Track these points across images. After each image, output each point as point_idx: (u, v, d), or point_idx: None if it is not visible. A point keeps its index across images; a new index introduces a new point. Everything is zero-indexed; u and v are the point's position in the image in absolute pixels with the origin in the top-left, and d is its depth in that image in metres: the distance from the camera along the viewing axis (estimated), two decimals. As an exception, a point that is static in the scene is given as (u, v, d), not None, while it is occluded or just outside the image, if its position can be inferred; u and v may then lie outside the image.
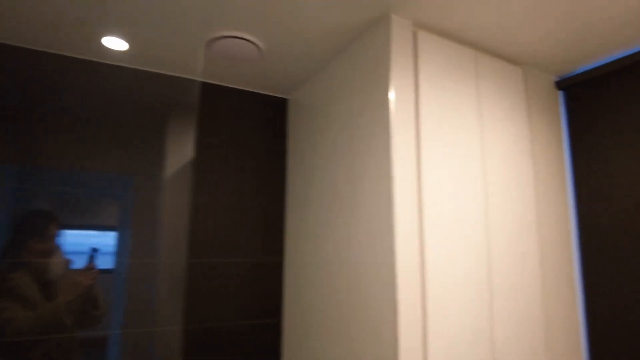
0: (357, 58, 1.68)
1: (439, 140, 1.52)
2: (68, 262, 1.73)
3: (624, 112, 1.79)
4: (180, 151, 2.05)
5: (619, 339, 1.72)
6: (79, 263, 1.74)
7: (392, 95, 1.45)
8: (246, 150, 2.20)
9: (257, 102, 2.27)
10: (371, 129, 1.53)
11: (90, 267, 1.75)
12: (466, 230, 1.52)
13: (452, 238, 1.48)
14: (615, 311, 1.74)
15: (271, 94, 2.32)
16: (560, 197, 1.89)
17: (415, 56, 1.54)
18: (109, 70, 1.94)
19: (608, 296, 1.77)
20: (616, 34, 1.65)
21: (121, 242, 1.88)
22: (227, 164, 2.14)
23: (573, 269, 1.86)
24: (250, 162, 2.20)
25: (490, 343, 1.49)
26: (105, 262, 1.82)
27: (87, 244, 1.79)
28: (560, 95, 2.05)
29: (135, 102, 2.00)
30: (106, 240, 1.86)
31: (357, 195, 1.58)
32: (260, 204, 2.19)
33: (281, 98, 2.36)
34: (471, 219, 1.54)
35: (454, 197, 1.52)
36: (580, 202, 1.92)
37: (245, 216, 2.14)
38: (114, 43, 1.76)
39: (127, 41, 1.75)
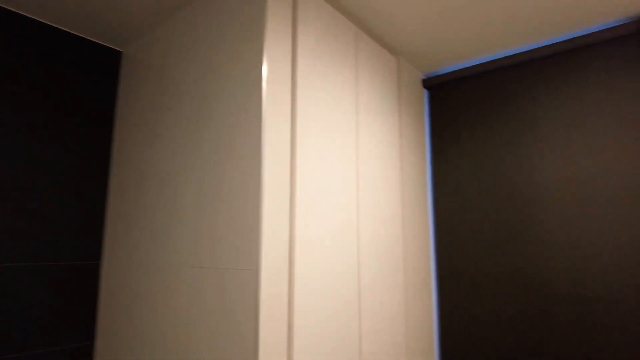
0: (220, 8, 1.30)
1: (316, 129, 1.27)
2: None
3: (477, 114, 1.86)
4: None
5: (466, 326, 1.78)
6: None
7: (265, 68, 1.12)
8: (54, 110, 1.58)
9: (78, 51, 1.66)
10: (237, 104, 1.18)
11: None
12: (338, 226, 1.31)
13: (325, 235, 1.25)
14: (462, 305, 1.80)
15: (99, 42, 1.73)
16: (421, 193, 1.88)
17: (295, 19, 1.25)
18: None
19: (455, 292, 1.82)
20: (477, 42, 1.68)
21: None
22: (23, 127, 1.49)
23: (430, 265, 1.87)
24: (58, 130, 1.59)
25: (358, 338, 1.32)
26: None
27: None
28: (425, 93, 2.05)
29: None
30: None
31: (206, 182, 1.22)
32: (68, 188, 1.60)
33: (112, 50, 1.79)
34: (344, 212, 1.35)
35: (329, 191, 1.29)
36: (436, 198, 1.94)
37: (45, 203, 1.53)
38: None
39: None
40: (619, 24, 1.54)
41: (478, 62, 1.89)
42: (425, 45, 1.73)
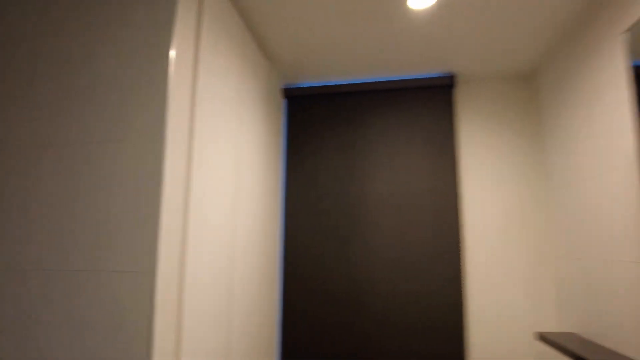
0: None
1: (209, 129, 1.18)
2: None
3: (327, 130, 2.07)
4: None
5: (304, 321, 1.93)
6: None
7: (171, 60, 0.99)
8: None
9: None
10: (131, 86, 0.99)
11: None
12: (219, 227, 1.25)
13: (211, 239, 1.17)
14: (301, 305, 1.95)
15: None
16: (275, 198, 1.95)
17: (200, 12, 1.14)
18: None
19: (295, 291, 1.97)
20: (335, 64, 1.89)
21: None
22: None
23: (277, 266, 1.95)
24: None
25: (228, 334, 1.28)
26: None
27: None
28: (284, 102, 2.14)
29: None
30: None
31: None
32: None
33: None
34: (224, 214, 1.29)
35: (214, 190, 1.21)
36: (287, 203, 2.05)
37: None
38: None
39: None
40: (439, 75, 2.00)
41: (333, 83, 2.11)
42: (292, 56, 1.82)
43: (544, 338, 1.55)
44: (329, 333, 1.91)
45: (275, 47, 1.74)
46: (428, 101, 2.02)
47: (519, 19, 1.50)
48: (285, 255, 2.01)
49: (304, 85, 2.13)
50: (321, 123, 2.09)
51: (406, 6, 1.43)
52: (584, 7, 1.41)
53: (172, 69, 0.97)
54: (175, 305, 0.97)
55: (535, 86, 1.94)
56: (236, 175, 1.39)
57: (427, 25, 1.55)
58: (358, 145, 2.03)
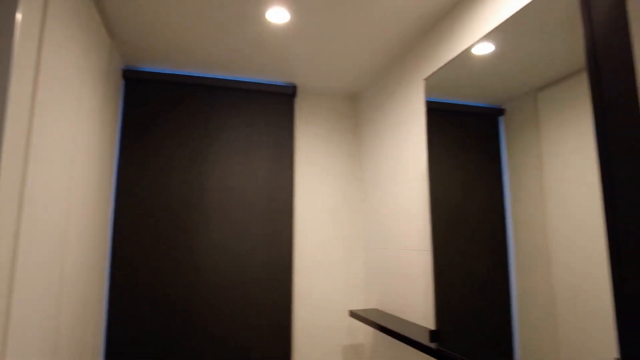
0: None
1: (53, 107, 1.03)
2: None
3: (167, 119, 2.01)
4: None
5: (133, 316, 1.82)
6: None
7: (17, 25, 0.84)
8: None
9: None
10: None
11: None
12: (55, 220, 1.10)
13: (45, 234, 1.02)
14: (131, 303, 1.84)
15: None
16: (106, 188, 1.78)
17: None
18: None
19: (127, 287, 1.85)
20: (181, 52, 1.86)
21: None
22: None
23: (105, 258, 1.78)
24: None
25: (57, 332, 1.13)
26: None
27: None
28: (122, 84, 1.96)
29: None
30: None
31: None
32: None
33: None
34: (58, 206, 1.14)
35: (50, 184, 1.06)
36: (118, 195, 1.89)
37: None
38: None
39: None
40: (282, 84, 2.18)
41: (179, 72, 2.04)
42: (136, 35, 1.71)
43: (353, 314, 1.90)
44: (156, 329, 1.85)
45: (119, 25, 1.60)
46: (271, 106, 2.18)
47: (351, 51, 1.80)
48: (114, 248, 1.85)
49: (147, 70, 2.00)
50: (162, 111, 2.01)
51: (264, 18, 1.54)
52: (399, 53, 1.81)
53: (17, 33, 0.83)
54: (4, 304, 0.83)
55: (359, 106, 2.34)
56: (72, 162, 1.24)
57: (279, 38, 1.70)
58: (199, 138, 2.03)
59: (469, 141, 1.19)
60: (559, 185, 0.87)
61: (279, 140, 2.15)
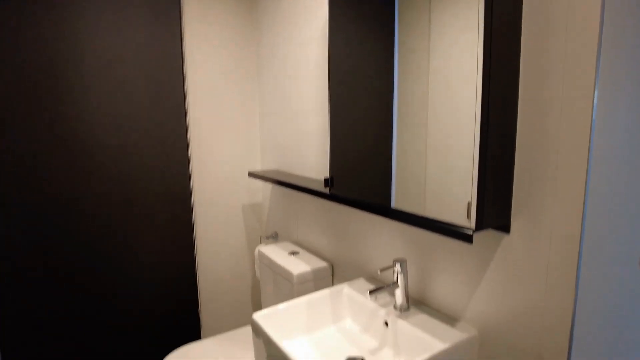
0: None
1: None
2: None
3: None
4: None
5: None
6: None
7: None
8: None
9: None
10: None
11: None
12: None
13: None
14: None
15: None
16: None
17: None
18: None
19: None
20: None
21: None
22: None
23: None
24: None
25: None
26: None
27: None
28: None
29: None
30: None
31: None
32: None
33: None
34: None
35: None
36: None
37: None
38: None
39: None
40: None
41: None
42: None
43: (253, 174, 2.01)
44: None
45: None
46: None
47: None
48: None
49: None
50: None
51: None
52: None
53: None
54: None
55: (253, -43, 2.11)
56: None
57: None
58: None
59: (366, 12, 1.20)
60: (444, 63, 0.97)
61: (164, 6, 1.88)
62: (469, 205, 0.91)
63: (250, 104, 2.22)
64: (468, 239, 0.89)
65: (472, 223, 0.89)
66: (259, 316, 1.24)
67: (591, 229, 0.85)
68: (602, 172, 0.84)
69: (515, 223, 0.96)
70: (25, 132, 1.67)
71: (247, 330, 1.93)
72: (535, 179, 0.90)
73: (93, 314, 1.91)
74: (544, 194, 0.88)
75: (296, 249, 1.90)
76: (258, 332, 1.20)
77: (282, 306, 1.28)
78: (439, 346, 1.03)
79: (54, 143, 1.73)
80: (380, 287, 1.18)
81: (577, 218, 0.83)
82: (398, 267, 1.20)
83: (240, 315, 2.36)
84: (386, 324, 1.22)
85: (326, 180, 1.43)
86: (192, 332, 2.20)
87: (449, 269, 1.16)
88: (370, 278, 1.48)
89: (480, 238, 1.05)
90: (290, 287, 1.66)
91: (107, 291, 1.93)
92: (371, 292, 1.16)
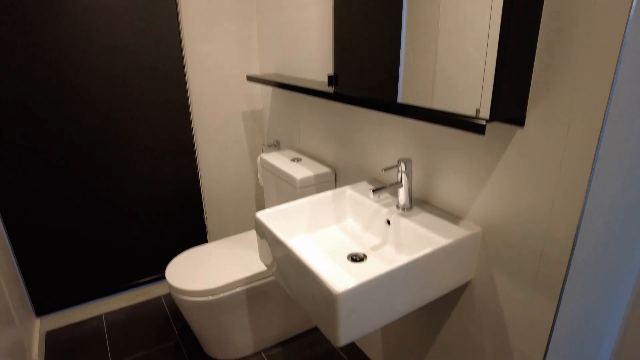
0: None
1: None
2: None
3: None
4: None
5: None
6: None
7: None
8: None
9: None
10: None
11: None
12: None
13: None
14: None
15: None
16: None
17: None
18: None
19: None
20: None
21: None
22: None
23: None
24: None
25: None
26: None
27: None
28: None
29: None
30: None
31: None
32: None
33: None
34: None
35: None
36: None
37: None
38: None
39: None
40: None
41: None
42: None
43: (251, 78, 1.91)
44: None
45: None
46: None
47: None
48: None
49: None
50: None
51: None
52: None
53: None
54: None
55: None
56: None
57: None
58: None
59: None
60: None
61: None
62: (482, 93, 0.84)
63: (246, 8, 2.03)
64: (480, 129, 0.83)
65: (487, 112, 0.83)
66: (262, 214, 1.24)
67: (613, 123, 0.79)
68: (634, 62, 0.75)
69: (531, 114, 0.89)
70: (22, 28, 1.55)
71: (252, 233, 1.98)
72: (558, 64, 0.81)
73: (113, 220, 1.96)
74: (565, 82, 0.81)
75: (299, 156, 1.87)
76: (262, 230, 1.21)
77: (284, 206, 1.28)
78: (441, 242, 1.03)
79: (56, 38, 1.61)
80: (383, 186, 1.16)
81: (600, 110, 0.76)
82: (402, 166, 1.17)
83: (245, 221, 2.42)
84: (388, 222, 1.23)
85: (330, 78, 1.34)
86: (199, 238, 2.28)
87: (455, 168, 1.12)
88: (373, 181, 1.46)
89: (492, 130, 0.99)
90: (294, 192, 1.66)
91: (121, 200, 1.96)
92: (374, 190, 1.14)
